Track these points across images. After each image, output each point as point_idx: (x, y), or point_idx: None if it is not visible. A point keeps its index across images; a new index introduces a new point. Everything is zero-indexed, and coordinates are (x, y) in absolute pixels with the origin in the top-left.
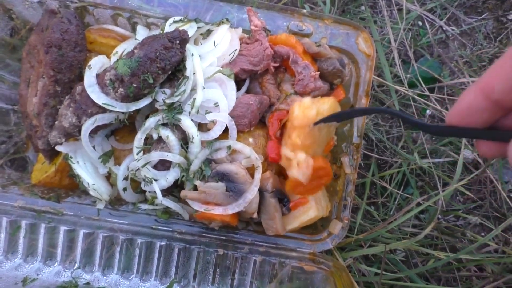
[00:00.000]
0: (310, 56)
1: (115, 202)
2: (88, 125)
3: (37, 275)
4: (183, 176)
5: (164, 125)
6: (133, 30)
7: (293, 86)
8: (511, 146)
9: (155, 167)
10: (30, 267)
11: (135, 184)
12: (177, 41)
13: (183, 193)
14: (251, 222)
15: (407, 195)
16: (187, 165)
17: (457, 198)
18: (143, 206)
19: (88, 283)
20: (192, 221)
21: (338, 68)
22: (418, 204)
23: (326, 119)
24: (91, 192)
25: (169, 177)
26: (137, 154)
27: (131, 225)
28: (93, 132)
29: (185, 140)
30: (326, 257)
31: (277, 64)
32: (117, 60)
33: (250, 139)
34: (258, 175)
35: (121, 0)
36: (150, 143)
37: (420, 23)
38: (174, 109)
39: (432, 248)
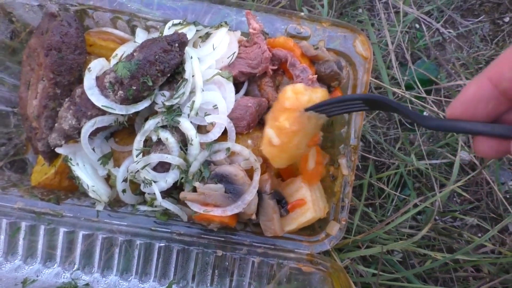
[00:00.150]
0: (308, 59)
1: (114, 203)
2: (87, 127)
3: (37, 276)
4: (182, 178)
5: (164, 127)
6: (133, 33)
7: None
8: None
9: (155, 169)
10: (29, 268)
11: (134, 186)
12: (176, 44)
13: (182, 195)
14: (249, 223)
15: (404, 197)
16: (186, 167)
17: (454, 199)
18: (142, 207)
19: (87, 284)
20: (191, 222)
21: (335, 70)
22: (415, 205)
23: (318, 106)
24: (91, 194)
25: (169, 178)
26: (137, 156)
27: (130, 227)
28: (93, 134)
29: (184, 142)
30: (324, 258)
31: (275, 67)
32: (117, 63)
33: (249, 141)
34: (256, 177)
35: (121, 3)
36: (150, 145)
37: (417, 25)
38: (173, 111)
39: (429, 249)
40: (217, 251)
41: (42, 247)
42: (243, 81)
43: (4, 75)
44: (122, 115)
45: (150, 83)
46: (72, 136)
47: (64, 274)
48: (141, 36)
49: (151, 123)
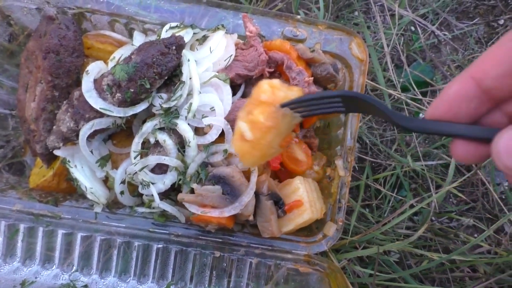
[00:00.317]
0: (304, 61)
1: (113, 205)
2: (85, 130)
3: (35, 278)
4: (180, 180)
5: (161, 129)
6: (130, 36)
7: None
8: (496, 144)
9: (153, 170)
10: (28, 270)
11: (132, 187)
12: (174, 47)
13: (180, 196)
14: (247, 224)
15: (400, 197)
16: (184, 169)
17: (450, 200)
18: (140, 209)
19: (86, 286)
20: (188, 224)
21: (331, 73)
22: (412, 206)
23: (295, 102)
24: (89, 196)
25: (166, 180)
26: (135, 158)
27: (128, 228)
28: (91, 137)
29: (182, 144)
30: (321, 258)
31: (272, 70)
32: (115, 65)
33: None
34: (254, 178)
35: (118, 7)
36: (148, 147)
37: (412, 28)
38: (171, 113)
39: (425, 249)
40: (215, 252)
41: (41, 249)
42: (240, 84)
43: (2, 77)
44: (120, 117)
45: (148, 86)
46: (70, 139)
47: (62, 275)
48: (138, 39)
49: (149, 125)
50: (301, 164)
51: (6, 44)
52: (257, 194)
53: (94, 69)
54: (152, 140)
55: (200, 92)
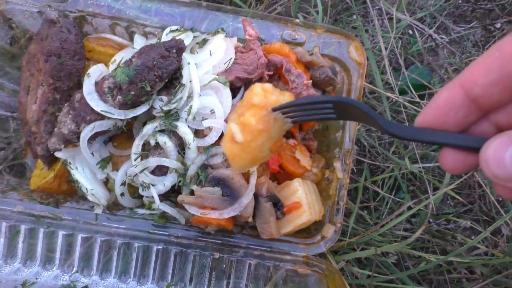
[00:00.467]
0: (303, 64)
1: (113, 207)
2: (86, 132)
3: (36, 279)
4: (180, 181)
5: (161, 131)
6: (131, 39)
7: None
8: (484, 153)
9: (153, 172)
10: (29, 271)
11: (132, 189)
12: (174, 50)
13: (180, 198)
14: (246, 226)
15: (398, 199)
16: (184, 171)
17: (448, 202)
18: (140, 211)
19: (86, 287)
20: (188, 225)
21: (330, 76)
22: (409, 208)
23: (286, 105)
24: (89, 197)
25: (167, 182)
26: (135, 160)
27: (128, 230)
28: (92, 139)
29: (182, 146)
30: (320, 260)
31: (271, 73)
32: (116, 68)
33: None
34: (253, 180)
35: (119, 10)
36: (148, 149)
37: (410, 31)
38: (171, 116)
39: (423, 251)
40: (214, 253)
41: (41, 250)
42: (239, 86)
43: (4, 80)
44: (120, 119)
45: (148, 88)
46: (71, 141)
47: (63, 276)
48: (139, 42)
49: (149, 128)
50: (300, 166)
51: (8, 47)
52: (256, 196)
53: (95, 72)
54: (152, 142)
55: (200, 95)
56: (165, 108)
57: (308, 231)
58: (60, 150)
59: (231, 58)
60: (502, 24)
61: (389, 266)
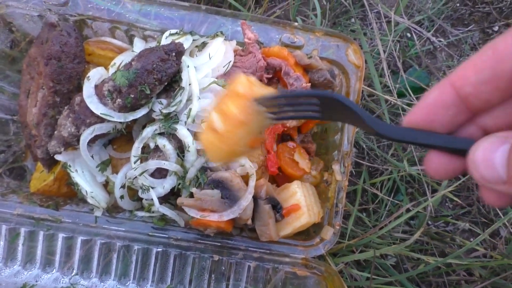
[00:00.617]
0: (301, 67)
1: (112, 209)
2: (86, 135)
3: (36, 281)
4: (179, 184)
5: (161, 134)
6: (130, 42)
7: None
8: (473, 154)
9: (152, 175)
10: (29, 273)
11: (132, 192)
12: (173, 53)
13: (179, 200)
14: (245, 228)
15: (397, 202)
16: (183, 173)
17: (446, 204)
18: (140, 213)
19: None
20: (187, 227)
21: (328, 79)
22: (408, 210)
23: (270, 97)
24: (89, 200)
25: (166, 184)
26: (135, 162)
27: (128, 232)
28: (91, 142)
29: (181, 149)
30: (319, 262)
31: (270, 76)
32: (115, 71)
33: None
34: (252, 182)
35: (119, 14)
36: (147, 152)
37: (408, 34)
38: (171, 118)
39: (422, 253)
40: (214, 256)
41: (41, 253)
42: None
43: (4, 83)
44: (120, 122)
45: (148, 91)
46: (71, 143)
47: (63, 279)
48: (138, 45)
49: (148, 130)
50: (298, 169)
51: (8, 51)
52: (255, 198)
53: (95, 75)
54: (152, 145)
55: (199, 98)
56: (164, 111)
57: (307, 233)
58: (60, 153)
59: (230, 61)
60: (500, 27)
61: (388, 268)
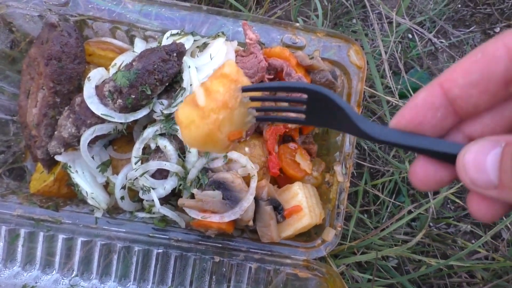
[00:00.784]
0: (303, 68)
1: (113, 210)
2: (87, 135)
3: (36, 283)
4: (180, 185)
5: (162, 135)
6: (131, 42)
7: None
8: (463, 157)
9: (153, 176)
10: (28, 275)
11: (132, 193)
12: (174, 54)
13: (180, 201)
14: (246, 229)
15: (398, 203)
16: (184, 174)
17: (448, 206)
18: (140, 214)
19: None
20: (188, 229)
21: (330, 80)
22: (410, 212)
23: (257, 87)
24: (89, 201)
25: (167, 185)
26: (136, 163)
27: (128, 233)
28: (92, 142)
29: (182, 150)
30: (320, 264)
31: (272, 76)
32: (116, 72)
33: (246, 149)
34: (253, 183)
35: (120, 14)
36: (148, 153)
37: (410, 36)
38: (172, 119)
39: (423, 255)
40: (215, 257)
41: (41, 254)
42: None
43: (4, 84)
44: (121, 123)
45: (149, 92)
46: (71, 144)
47: (62, 280)
48: (139, 46)
49: (149, 131)
50: (300, 170)
51: (8, 51)
52: (256, 200)
53: (96, 75)
54: (152, 146)
55: None
56: (165, 112)
57: (309, 235)
58: (60, 153)
59: None
60: (502, 28)
61: (390, 270)
